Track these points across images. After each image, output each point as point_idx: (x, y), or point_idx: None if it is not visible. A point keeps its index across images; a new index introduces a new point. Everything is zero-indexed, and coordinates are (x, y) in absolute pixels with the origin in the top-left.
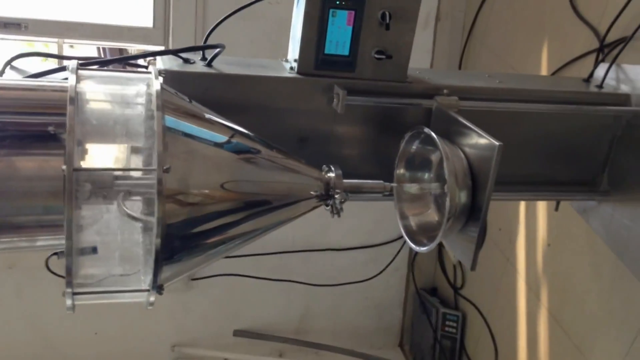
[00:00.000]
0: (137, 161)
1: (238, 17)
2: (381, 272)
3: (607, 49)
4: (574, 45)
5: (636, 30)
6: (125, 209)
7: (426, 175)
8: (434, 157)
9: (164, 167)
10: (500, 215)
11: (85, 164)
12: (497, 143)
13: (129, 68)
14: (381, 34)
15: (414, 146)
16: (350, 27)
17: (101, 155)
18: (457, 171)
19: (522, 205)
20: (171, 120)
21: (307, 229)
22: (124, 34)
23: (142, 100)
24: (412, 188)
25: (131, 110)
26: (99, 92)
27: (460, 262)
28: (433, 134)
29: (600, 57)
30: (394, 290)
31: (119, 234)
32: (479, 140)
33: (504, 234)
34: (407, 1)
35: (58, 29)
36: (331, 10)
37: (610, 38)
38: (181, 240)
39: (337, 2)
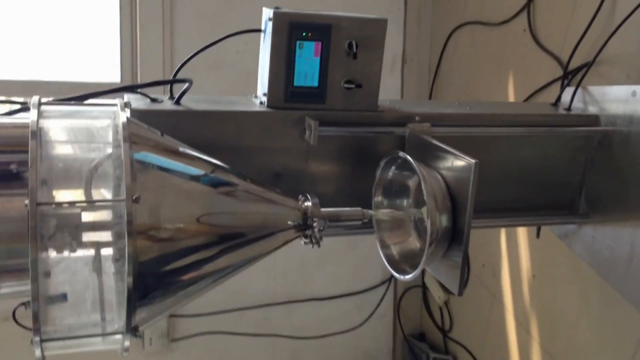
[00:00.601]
0: (106, 196)
1: (206, 67)
2: (367, 319)
3: (571, 75)
4: (538, 75)
5: (598, 54)
6: (93, 248)
7: (405, 202)
8: (412, 182)
9: (133, 197)
10: (482, 251)
11: (49, 199)
12: (473, 160)
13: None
14: (349, 63)
15: (391, 172)
16: (318, 58)
17: (67, 192)
18: (436, 193)
19: (504, 238)
20: (141, 153)
21: (289, 279)
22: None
23: (108, 133)
24: (389, 214)
25: (97, 144)
26: (63, 128)
27: (446, 303)
28: (409, 157)
29: (565, 83)
30: (382, 339)
31: (89, 275)
32: (455, 161)
33: (487, 270)
34: (373, 29)
35: (24, 89)
36: (298, 42)
37: (573, 65)
38: (155, 278)
39: (304, 34)
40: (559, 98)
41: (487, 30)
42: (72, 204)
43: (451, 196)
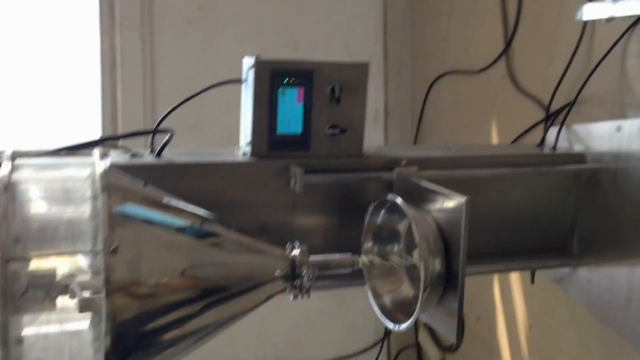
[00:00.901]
0: (83, 260)
1: (187, 127)
2: None
3: (554, 117)
4: (521, 118)
5: (579, 93)
6: (69, 306)
7: (395, 248)
8: (402, 226)
9: (111, 248)
10: (476, 304)
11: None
12: (463, 198)
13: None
14: (333, 108)
15: (380, 217)
16: (301, 104)
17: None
18: (428, 236)
19: (497, 288)
20: (121, 204)
21: (278, 343)
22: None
23: (86, 185)
24: (381, 259)
25: (75, 197)
26: (38, 181)
27: None
28: (398, 200)
29: (549, 124)
30: None
31: (65, 337)
32: (445, 202)
33: (482, 323)
34: (355, 74)
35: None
36: (280, 89)
37: (555, 106)
38: (135, 338)
39: (286, 80)
40: (543, 138)
41: (467, 78)
42: (43, 256)
43: (443, 239)
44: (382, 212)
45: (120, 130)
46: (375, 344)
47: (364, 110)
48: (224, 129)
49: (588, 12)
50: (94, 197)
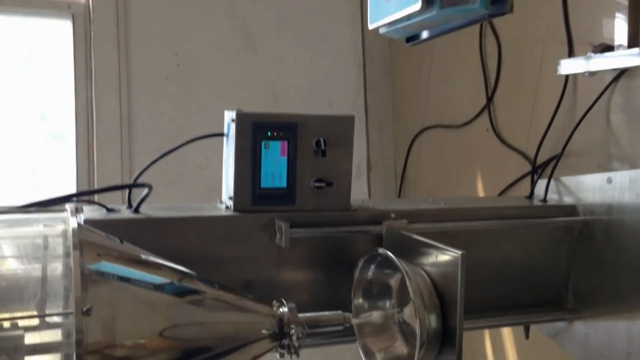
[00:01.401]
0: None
1: (166, 183)
2: None
3: (540, 169)
4: (506, 172)
5: (566, 145)
6: None
7: (387, 303)
8: (393, 281)
9: (84, 309)
10: (466, 356)
11: None
12: (459, 252)
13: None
14: (318, 162)
15: (370, 272)
16: (285, 158)
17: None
18: (422, 291)
19: (489, 343)
20: (95, 262)
21: None
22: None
23: (58, 242)
24: (374, 317)
25: (45, 256)
26: (6, 238)
27: None
28: (390, 254)
29: (535, 177)
30: None
31: None
32: (439, 255)
33: None
34: (341, 126)
35: None
36: (263, 142)
37: (540, 159)
38: None
39: (269, 133)
40: (532, 191)
41: (450, 132)
42: (11, 320)
43: (438, 294)
44: (373, 266)
45: (96, 186)
46: None
47: (350, 163)
48: (204, 185)
49: (566, 67)
50: (66, 255)
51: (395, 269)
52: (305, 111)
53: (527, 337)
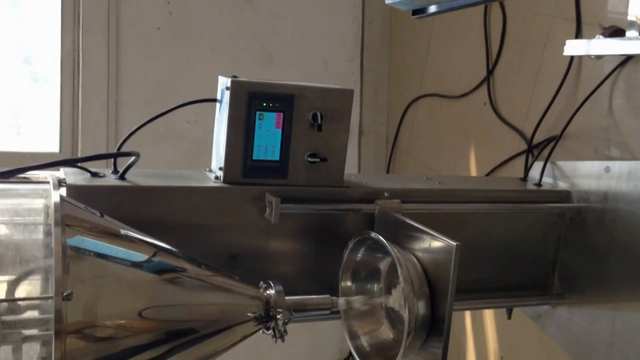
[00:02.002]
0: (32, 292)
1: (154, 138)
2: None
3: (536, 150)
4: (501, 148)
5: (565, 129)
6: (13, 353)
7: (375, 287)
8: (383, 265)
9: (64, 294)
10: None
11: None
12: (454, 243)
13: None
14: (313, 136)
15: (360, 254)
16: (280, 130)
17: None
18: (413, 278)
19: (469, 319)
20: (76, 238)
21: (236, 358)
22: (27, 162)
23: (39, 217)
24: (361, 301)
25: (25, 230)
26: None
27: None
28: (381, 238)
29: (530, 157)
30: None
31: None
32: (433, 242)
33: (451, 351)
34: (339, 100)
35: None
36: (258, 113)
37: (537, 139)
38: None
39: (264, 104)
40: (526, 173)
41: (446, 102)
42: None
43: (428, 281)
44: (363, 248)
45: (80, 139)
46: None
47: (346, 139)
48: (192, 140)
49: (572, 48)
50: (47, 233)
51: (386, 253)
52: (300, 72)
53: (509, 317)
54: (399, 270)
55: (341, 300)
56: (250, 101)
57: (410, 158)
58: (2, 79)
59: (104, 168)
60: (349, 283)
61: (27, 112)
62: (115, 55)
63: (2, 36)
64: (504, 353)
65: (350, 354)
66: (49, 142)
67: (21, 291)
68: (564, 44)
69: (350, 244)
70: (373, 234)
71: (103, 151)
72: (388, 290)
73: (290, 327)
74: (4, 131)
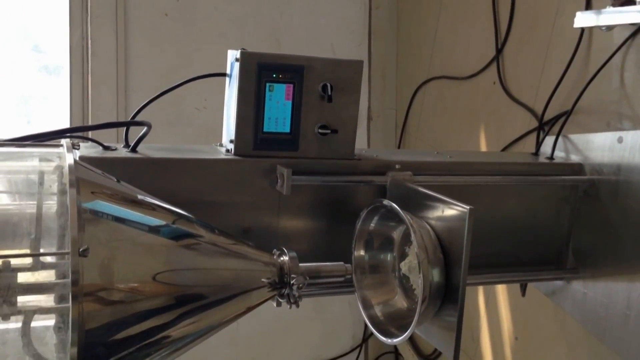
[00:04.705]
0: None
1: (163, 123)
2: None
3: (547, 126)
4: (511, 127)
5: (576, 102)
6: (30, 313)
7: (388, 256)
8: (396, 234)
9: (80, 249)
10: None
11: None
12: (466, 208)
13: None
14: (324, 107)
15: (373, 224)
16: (290, 102)
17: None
18: (427, 244)
19: (482, 297)
20: (93, 202)
21: (252, 347)
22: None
23: (53, 179)
24: (373, 270)
25: (40, 191)
26: None
27: None
28: (395, 206)
29: (542, 134)
30: None
31: (25, 347)
32: (446, 209)
33: (465, 331)
34: (348, 71)
35: None
36: (268, 85)
37: (548, 116)
38: (105, 348)
39: (274, 75)
40: (538, 147)
41: (455, 84)
42: (2, 258)
43: (442, 249)
44: (376, 218)
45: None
46: (352, 350)
47: (356, 110)
48: (201, 126)
49: (582, 19)
50: (62, 192)
51: (399, 221)
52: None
53: (523, 294)
54: (413, 237)
55: (353, 268)
56: (260, 72)
57: (420, 142)
58: (11, 68)
59: (115, 142)
60: (362, 253)
61: (36, 101)
62: (123, 43)
63: (11, 25)
64: (519, 333)
65: (364, 341)
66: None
67: (38, 249)
68: (573, 17)
69: (363, 214)
70: (386, 202)
71: (114, 139)
72: (401, 259)
73: (302, 313)
74: (13, 120)
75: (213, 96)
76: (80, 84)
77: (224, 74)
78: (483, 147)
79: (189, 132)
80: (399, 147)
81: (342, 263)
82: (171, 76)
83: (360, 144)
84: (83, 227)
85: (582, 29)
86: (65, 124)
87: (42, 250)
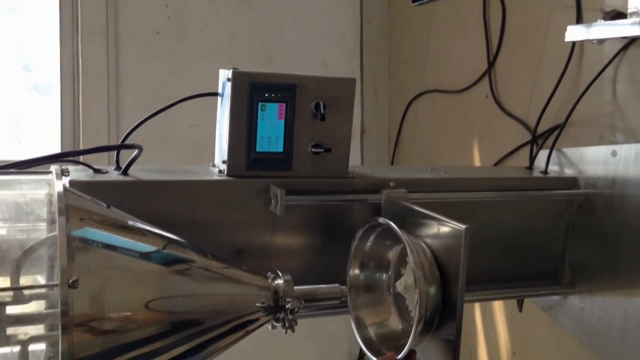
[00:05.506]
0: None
1: (156, 141)
2: None
3: (540, 139)
4: (504, 140)
5: (569, 115)
6: (20, 345)
7: (384, 276)
8: (392, 254)
9: (70, 281)
10: None
11: None
12: (462, 226)
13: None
14: (317, 126)
15: (369, 242)
16: (283, 121)
17: None
18: (423, 262)
19: (478, 312)
20: (82, 229)
21: None
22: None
23: (42, 207)
24: (368, 290)
25: (29, 220)
26: None
27: None
28: (392, 224)
29: (535, 148)
30: None
31: None
32: (441, 228)
33: (463, 347)
34: (341, 89)
35: None
36: (260, 104)
37: (540, 129)
38: None
39: (266, 95)
40: (532, 162)
41: (448, 97)
42: None
43: (438, 266)
44: (372, 236)
45: (82, 145)
46: None
47: (349, 128)
48: (193, 144)
49: (573, 33)
50: (51, 221)
51: (395, 240)
52: (299, 71)
53: (520, 310)
54: (409, 253)
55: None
56: (252, 92)
57: (414, 156)
58: (2, 87)
59: (106, 165)
60: (357, 272)
61: (27, 121)
62: (114, 61)
63: (1, 44)
64: (516, 348)
65: (360, 358)
66: (50, 150)
67: (27, 281)
68: (565, 31)
69: (359, 233)
70: (381, 219)
71: (105, 161)
72: (397, 278)
73: (298, 330)
74: (4, 140)
75: (205, 113)
76: (71, 103)
77: (215, 94)
78: (477, 160)
79: (182, 149)
80: (392, 161)
81: (337, 285)
82: (163, 93)
83: (354, 157)
84: (73, 257)
85: (574, 43)
86: (57, 143)
87: (31, 282)
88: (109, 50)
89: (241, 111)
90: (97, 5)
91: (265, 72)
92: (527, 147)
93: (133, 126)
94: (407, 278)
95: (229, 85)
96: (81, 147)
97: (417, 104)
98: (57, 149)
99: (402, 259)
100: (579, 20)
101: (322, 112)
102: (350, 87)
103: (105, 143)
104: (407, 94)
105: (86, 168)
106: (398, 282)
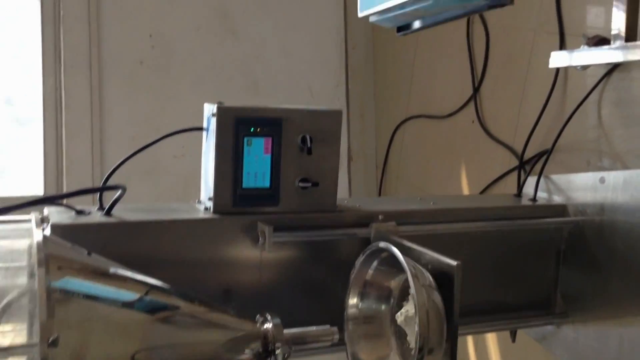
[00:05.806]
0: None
1: (140, 173)
2: None
3: (528, 165)
4: (492, 165)
5: (556, 141)
6: None
7: (383, 307)
8: (394, 282)
9: (50, 340)
10: None
11: None
12: (454, 263)
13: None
14: (303, 160)
15: (371, 270)
16: (269, 156)
17: None
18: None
19: (471, 344)
20: (62, 279)
21: None
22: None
23: (22, 257)
24: (368, 321)
25: (7, 275)
26: None
27: None
28: (394, 249)
29: (522, 173)
30: None
31: None
32: (432, 263)
33: None
34: (327, 121)
35: None
36: (246, 139)
37: (527, 155)
38: None
39: (252, 129)
40: (520, 189)
41: (434, 123)
42: None
43: None
44: (374, 264)
45: (65, 178)
46: None
47: (337, 161)
48: (179, 175)
49: (557, 60)
50: (30, 275)
51: (399, 269)
52: (286, 99)
53: (513, 340)
54: (410, 280)
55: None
56: (237, 127)
57: (401, 182)
58: None
59: (90, 205)
60: (356, 300)
61: (9, 155)
62: (98, 92)
63: None
64: None
65: None
66: (33, 184)
67: (6, 340)
68: (548, 57)
69: (359, 260)
70: (383, 244)
71: (89, 200)
72: (399, 307)
73: None
74: None
75: (191, 143)
76: (54, 136)
77: (200, 128)
78: (464, 186)
79: (168, 180)
80: (380, 187)
81: (328, 327)
82: (148, 124)
83: (341, 184)
84: (52, 313)
85: (558, 69)
86: (39, 177)
87: (11, 335)
88: (92, 81)
89: (227, 146)
90: (80, 35)
91: (250, 105)
92: (515, 173)
93: (116, 165)
94: (409, 309)
95: (213, 120)
96: (64, 180)
97: (403, 129)
98: (40, 184)
99: (404, 292)
100: (562, 46)
101: (309, 145)
102: (337, 119)
103: (89, 176)
104: (394, 120)
105: (69, 209)
106: (399, 313)
